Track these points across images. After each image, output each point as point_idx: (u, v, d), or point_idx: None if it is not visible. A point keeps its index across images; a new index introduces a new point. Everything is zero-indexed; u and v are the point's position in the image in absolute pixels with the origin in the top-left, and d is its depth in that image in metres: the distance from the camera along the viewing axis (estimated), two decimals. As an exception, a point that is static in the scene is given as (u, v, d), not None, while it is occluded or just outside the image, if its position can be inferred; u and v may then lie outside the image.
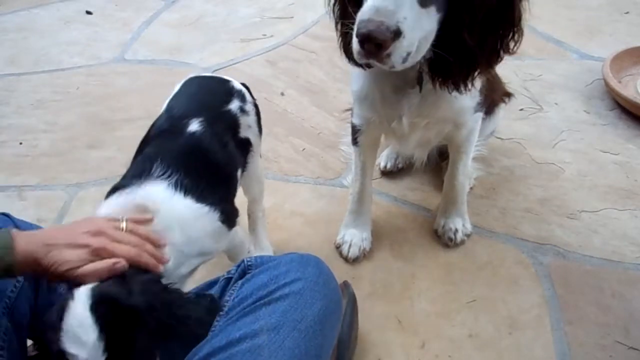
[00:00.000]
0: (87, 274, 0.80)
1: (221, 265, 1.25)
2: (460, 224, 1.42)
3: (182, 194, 0.94)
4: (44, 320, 0.76)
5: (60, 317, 0.72)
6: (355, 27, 0.83)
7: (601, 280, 1.32)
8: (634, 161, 1.64)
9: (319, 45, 2.26)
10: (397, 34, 0.80)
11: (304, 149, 1.76)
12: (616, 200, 1.52)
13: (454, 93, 1.00)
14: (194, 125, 1.03)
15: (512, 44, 0.92)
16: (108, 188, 0.98)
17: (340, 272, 1.36)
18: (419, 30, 0.83)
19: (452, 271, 1.37)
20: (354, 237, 1.42)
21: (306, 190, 1.63)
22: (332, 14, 1.02)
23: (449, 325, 1.26)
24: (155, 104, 2.05)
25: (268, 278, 0.89)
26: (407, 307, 1.30)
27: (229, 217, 1.04)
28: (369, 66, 0.97)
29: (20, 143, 1.90)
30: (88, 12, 2.69)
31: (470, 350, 1.20)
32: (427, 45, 0.89)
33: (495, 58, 0.93)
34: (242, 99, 1.17)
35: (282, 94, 2.03)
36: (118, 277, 0.79)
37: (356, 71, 1.12)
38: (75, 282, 0.78)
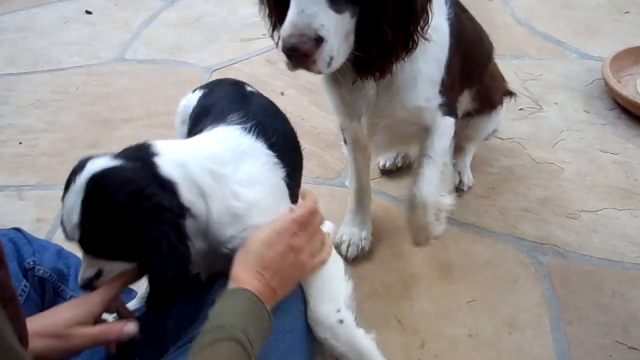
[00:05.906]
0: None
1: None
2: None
3: None
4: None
5: (68, 185, 0.78)
6: (280, 45, 0.90)
7: (601, 280, 1.32)
8: (634, 161, 1.64)
9: (319, 45, 2.26)
10: (318, 40, 0.87)
11: (303, 149, 1.75)
12: (616, 200, 1.52)
13: (408, 94, 1.09)
14: None
15: (425, 29, 0.98)
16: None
17: (340, 272, 1.36)
18: (338, 34, 0.90)
19: (452, 271, 1.37)
20: (354, 237, 1.42)
21: (306, 190, 1.63)
22: (266, 27, 1.07)
23: (449, 325, 1.25)
24: (155, 104, 2.07)
25: None
26: (407, 307, 1.30)
27: None
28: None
29: (20, 143, 1.90)
30: (88, 12, 2.69)
31: (470, 350, 1.20)
32: (347, 49, 0.95)
33: (413, 44, 0.99)
34: None
35: (282, 94, 2.02)
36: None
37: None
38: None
